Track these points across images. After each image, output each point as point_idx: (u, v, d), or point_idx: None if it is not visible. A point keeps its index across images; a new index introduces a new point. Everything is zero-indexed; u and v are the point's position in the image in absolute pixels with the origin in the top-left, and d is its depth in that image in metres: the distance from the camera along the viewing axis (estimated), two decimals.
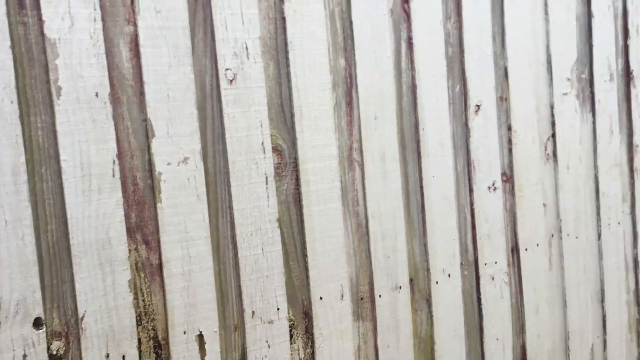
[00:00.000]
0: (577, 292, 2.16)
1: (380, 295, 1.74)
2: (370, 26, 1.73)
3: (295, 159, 1.62)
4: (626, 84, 2.32)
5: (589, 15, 2.18)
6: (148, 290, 1.45)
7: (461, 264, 1.90)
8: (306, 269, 1.63)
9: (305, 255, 1.62)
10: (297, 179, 1.62)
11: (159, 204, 1.44)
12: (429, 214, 1.83)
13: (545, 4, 2.07)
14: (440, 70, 1.86)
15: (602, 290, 2.23)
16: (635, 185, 2.33)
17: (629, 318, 2.30)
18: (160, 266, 1.46)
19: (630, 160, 2.33)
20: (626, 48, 2.31)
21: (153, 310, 1.45)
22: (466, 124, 1.92)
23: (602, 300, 2.23)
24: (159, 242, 1.45)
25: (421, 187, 1.83)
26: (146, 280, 1.44)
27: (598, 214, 2.23)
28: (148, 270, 1.44)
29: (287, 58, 1.60)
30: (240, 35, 1.53)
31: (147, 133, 1.42)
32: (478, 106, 1.94)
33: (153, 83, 1.42)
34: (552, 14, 2.08)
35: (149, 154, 1.43)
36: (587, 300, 2.18)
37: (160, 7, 1.42)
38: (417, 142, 1.82)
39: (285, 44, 1.60)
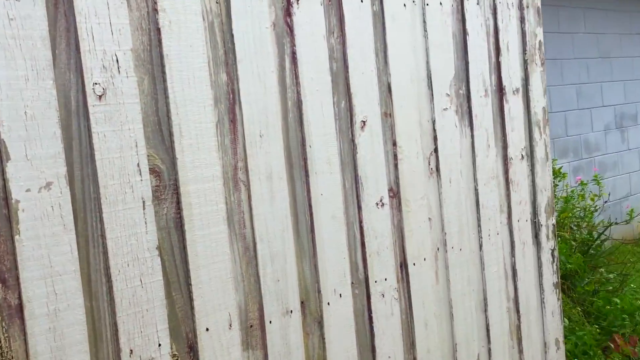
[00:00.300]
0: (463, 304, 2.20)
1: (270, 322, 1.65)
2: (253, 40, 1.65)
3: (176, 180, 1.50)
4: (499, 99, 2.42)
5: (464, 32, 2.25)
6: (6, 335, 1.26)
7: (352, 282, 1.86)
8: (191, 299, 1.51)
9: (189, 284, 1.50)
10: (179, 202, 1.50)
11: (16, 237, 1.26)
12: (318, 233, 1.78)
13: (424, 21, 2.11)
14: (325, 85, 1.82)
15: (485, 300, 2.30)
16: (511, 197, 2.43)
17: (509, 325, 2.39)
18: (20, 307, 1.28)
19: (506, 172, 2.43)
20: (498, 65, 2.41)
21: (12, 357, 1.27)
22: (353, 140, 1.90)
23: (486, 310, 2.29)
24: (18, 279, 1.27)
25: (310, 206, 1.77)
26: (3, 323, 1.26)
27: (479, 225, 2.29)
28: (6, 312, 1.26)
29: (163, 72, 1.48)
30: (109, 46, 1.39)
31: (0, 156, 1.25)
32: (364, 122, 1.92)
33: (7, 99, 1.25)
34: (430, 31, 2.12)
35: (4, 179, 1.25)
36: (472, 311, 2.23)
37: (13, 14, 1.25)
38: (305, 159, 1.77)
39: (161, 57, 1.48)
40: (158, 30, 1.48)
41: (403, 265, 2.03)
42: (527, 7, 2.47)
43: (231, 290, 1.57)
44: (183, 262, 1.50)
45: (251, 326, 1.61)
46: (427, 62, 2.13)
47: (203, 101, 1.55)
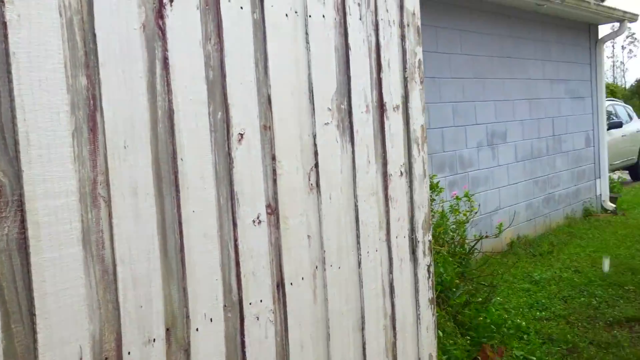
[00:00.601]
0: (340, 323, 2.15)
1: (129, 352, 1.49)
2: (119, 41, 1.50)
3: (20, 196, 1.31)
4: (380, 116, 2.41)
5: (346, 47, 2.22)
6: None
7: (224, 305, 1.75)
8: (34, 332, 1.32)
9: (33, 315, 1.32)
10: (23, 221, 1.31)
11: None
12: (188, 253, 1.65)
13: (306, 33, 2.05)
14: (201, 95, 1.70)
15: (363, 318, 2.27)
16: (390, 213, 2.43)
17: (386, 342, 2.37)
18: None
19: (385, 188, 2.43)
20: (380, 81, 2.41)
21: None
22: (229, 154, 1.79)
23: (363, 328, 2.26)
24: None
25: (180, 224, 1.64)
26: None
27: (358, 242, 2.27)
28: None
29: (9, 72, 1.30)
30: None
31: None
32: (241, 135, 1.82)
33: None
34: (312, 44, 2.06)
35: None
36: (348, 330, 2.19)
37: None
38: (175, 173, 1.64)
39: (7, 55, 1.30)
40: (4, 24, 1.30)
41: (280, 285, 1.94)
42: (408, 25, 2.50)
43: (84, 320, 1.40)
44: (26, 290, 1.31)
45: (106, 359, 1.45)
46: (309, 75, 2.07)
47: (57, 107, 1.37)
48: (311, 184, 2.08)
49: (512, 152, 7.07)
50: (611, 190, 9.44)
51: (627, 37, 54.96)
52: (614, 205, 8.99)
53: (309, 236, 2.06)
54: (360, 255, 2.27)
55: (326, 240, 2.12)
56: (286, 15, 1.97)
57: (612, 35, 9.19)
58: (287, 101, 1.99)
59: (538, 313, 4.62)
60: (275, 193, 1.94)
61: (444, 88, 6.00)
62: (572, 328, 4.27)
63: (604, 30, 8.99)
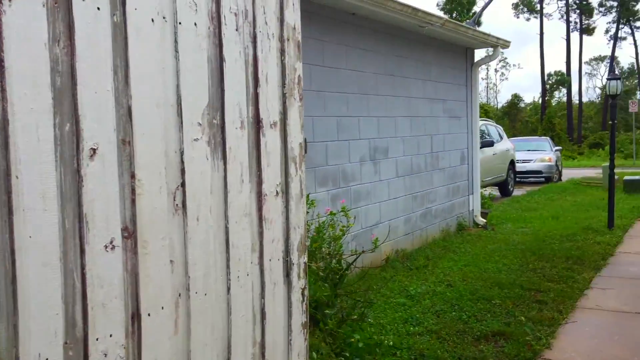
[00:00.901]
0: (203, 354, 2.00)
1: None
2: None
3: None
4: (256, 132, 2.29)
5: (220, 59, 2.09)
6: None
7: (65, 343, 1.54)
8: None
9: None
10: None
11: None
12: (22, 285, 1.43)
13: (176, 41, 1.89)
14: (44, 103, 1.50)
15: (229, 347, 2.13)
16: (264, 235, 2.32)
17: None
18: None
19: (260, 209, 2.31)
20: (256, 96, 2.29)
21: None
22: (78, 171, 1.59)
23: (229, 358, 2.12)
24: None
25: (12, 251, 1.42)
26: None
27: (228, 267, 2.13)
28: None
29: None
30: None
31: None
32: (94, 150, 1.63)
33: None
34: (182, 53, 1.91)
35: None
36: None
37: None
38: (8, 193, 1.42)
39: None
40: None
41: (135, 317, 1.76)
42: (288, 40, 2.41)
43: None
44: None
45: None
46: (178, 87, 1.91)
47: None
48: (176, 205, 1.91)
49: (393, 168, 7.23)
50: (482, 205, 9.96)
51: (500, 61, 59.30)
52: (484, 220, 9.49)
53: (172, 261, 1.89)
54: (230, 280, 2.13)
55: (192, 266, 1.97)
56: (152, 20, 1.80)
57: (487, 59, 9.74)
58: (151, 114, 1.81)
59: (412, 328, 4.69)
60: (133, 215, 1.76)
61: (329, 102, 6.01)
62: (442, 343, 4.37)
63: (479, 54, 9.52)
